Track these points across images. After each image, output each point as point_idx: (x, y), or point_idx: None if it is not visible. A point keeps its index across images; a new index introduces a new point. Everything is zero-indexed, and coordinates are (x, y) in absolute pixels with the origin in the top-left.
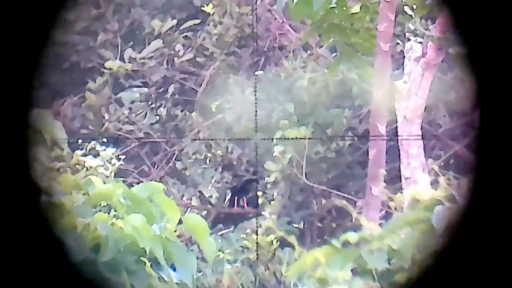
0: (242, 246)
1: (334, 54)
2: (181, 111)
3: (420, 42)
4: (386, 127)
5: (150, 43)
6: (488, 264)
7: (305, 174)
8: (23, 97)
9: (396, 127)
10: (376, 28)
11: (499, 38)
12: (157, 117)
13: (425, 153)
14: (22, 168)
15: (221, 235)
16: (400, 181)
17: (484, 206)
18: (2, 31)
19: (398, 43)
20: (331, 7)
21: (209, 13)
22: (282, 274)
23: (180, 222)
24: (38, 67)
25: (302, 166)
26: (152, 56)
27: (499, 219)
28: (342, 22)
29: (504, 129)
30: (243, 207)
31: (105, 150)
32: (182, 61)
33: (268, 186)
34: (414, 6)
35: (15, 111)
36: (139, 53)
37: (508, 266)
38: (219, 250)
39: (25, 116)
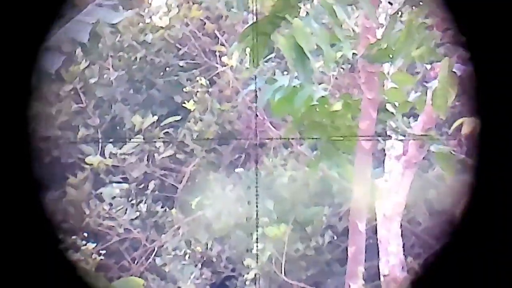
0: None
1: (315, 152)
2: (161, 208)
3: (401, 140)
4: (366, 225)
5: (130, 139)
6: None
7: (284, 271)
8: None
9: (376, 225)
10: (358, 126)
11: (499, 38)
12: (137, 213)
13: (404, 251)
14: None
15: None
16: (379, 278)
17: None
18: None
19: (379, 141)
20: (312, 105)
21: (190, 109)
22: None
23: None
24: None
25: (282, 264)
26: (132, 152)
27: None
28: (324, 120)
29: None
30: None
31: (85, 245)
32: (163, 157)
33: (247, 283)
34: (396, 104)
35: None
36: (120, 148)
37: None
38: None
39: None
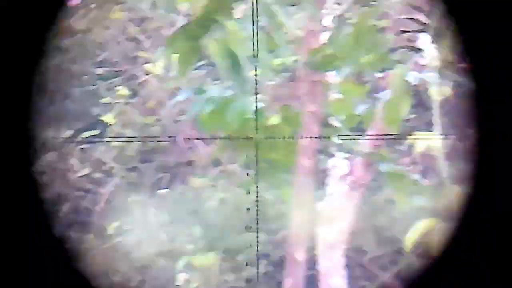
0: None
1: (249, 171)
2: (76, 233)
3: (347, 158)
4: (305, 254)
5: (42, 155)
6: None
7: None
8: None
9: (317, 254)
10: (298, 143)
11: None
12: None
13: (348, 283)
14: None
15: None
16: None
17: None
18: None
19: (321, 160)
20: (246, 118)
21: (108, 123)
22: None
23: None
24: None
25: None
26: (44, 171)
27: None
28: (260, 135)
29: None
30: None
31: None
32: (78, 176)
33: None
34: (342, 117)
35: None
36: None
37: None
38: None
39: None
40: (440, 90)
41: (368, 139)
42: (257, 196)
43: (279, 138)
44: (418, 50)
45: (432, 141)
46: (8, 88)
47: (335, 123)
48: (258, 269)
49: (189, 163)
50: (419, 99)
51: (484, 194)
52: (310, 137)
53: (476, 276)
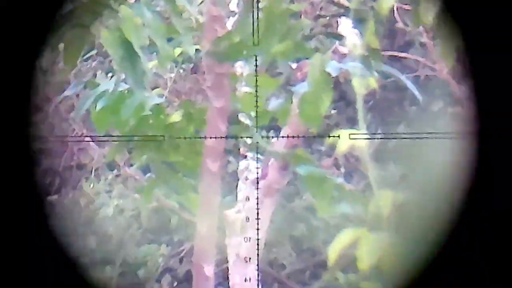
0: None
1: (148, 175)
2: None
3: (259, 160)
4: (214, 268)
5: None
6: None
7: None
8: None
9: (228, 268)
10: (203, 142)
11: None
12: None
13: None
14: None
15: None
16: None
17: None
18: None
19: (229, 162)
20: (144, 115)
21: None
22: None
23: None
24: None
25: None
26: None
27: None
28: (159, 134)
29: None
30: None
31: None
32: None
33: None
34: (252, 114)
35: None
36: None
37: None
38: None
39: None
40: (364, 82)
41: (283, 137)
42: (157, 203)
43: (181, 137)
44: (338, 36)
45: (356, 140)
46: (8, 88)
47: (245, 120)
48: (161, 285)
49: (81, 167)
50: (340, 92)
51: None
52: (216, 137)
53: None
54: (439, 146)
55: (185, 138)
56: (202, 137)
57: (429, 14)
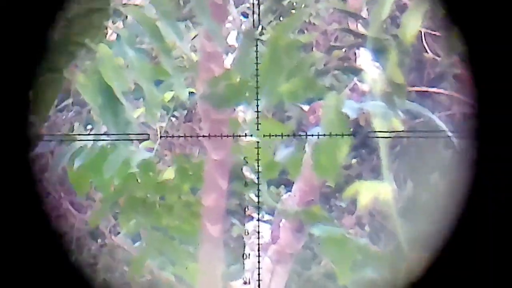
0: None
1: (138, 244)
2: None
3: (269, 221)
4: None
5: None
6: None
7: None
8: None
9: None
10: (201, 203)
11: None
12: None
13: None
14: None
15: None
16: None
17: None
18: None
19: (233, 224)
20: (130, 173)
21: None
22: None
23: None
24: None
25: None
26: None
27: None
28: (149, 195)
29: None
30: None
31: None
32: None
33: None
34: (259, 167)
35: None
36: None
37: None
38: None
39: None
40: (388, 124)
41: (295, 192)
42: (151, 275)
43: (176, 197)
44: (357, 71)
45: (382, 193)
46: (8, 89)
47: (250, 174)
48: None
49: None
50: (361, 137)
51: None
52: (216, 196)
53: None
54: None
55: (179, 198)
56: (200, 197)
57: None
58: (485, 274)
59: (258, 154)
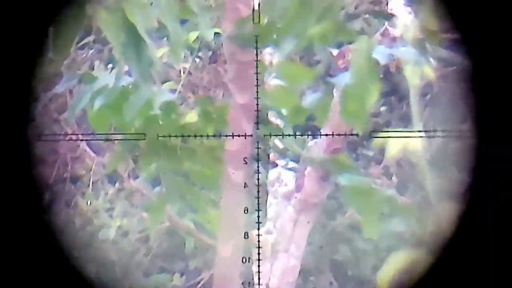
0: None
1: (158, 188)
2: None
3: (293, 169)
4: None
5: None
6: None
7: None
8: None
9: None
10: (224, 147)
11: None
12: None
13: None
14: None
15: None
16: None
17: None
18: None
19: (257, 171)
20: (153, 115)
21: None
22: None
23: None
24: None
25: None
26: None
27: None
28: (171, 138)
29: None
30: None
31: None
32: None
33: None
34: (284, 111)
35: None
36: None
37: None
38: None
39: None
40: (419, 71)
41: (322, 139)
42: (170, 223)
43: (198, 141)
44: (388, 16)
45: (411, 142)
46: (8, 89)
47: (275, 119)
48: None
49: (76, 179)
50: (391, 84)
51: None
52: (241, 139)
53: None
54: None
55: (202, 142)
56: (224, 140)
57: None
58: (485, 274)
59: (285, 99)
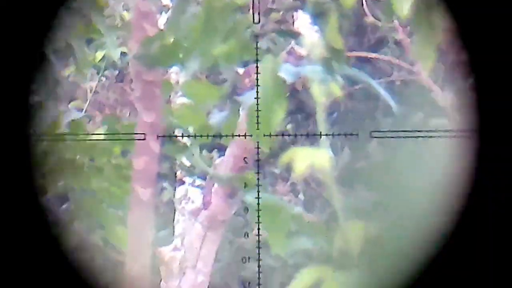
0: None
1: (65, 205)
2: None
3: (200, 186)
4: None
5: None
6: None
7: None
8: None
9: None
10: (132, 165)
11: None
12: None
13: None
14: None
15: None
16: None
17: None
18: None
19: (164, 188)
20: (58, 134)
21: None
22: None
23: None
24: None
25: None
26: None
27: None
28: (78, 157)
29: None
30: None
31: None
32: None
33: None
34: (191, 130)
35: None
36: None
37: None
38: None
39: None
40: (326, 89)
41: (228, 157)
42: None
43: (106, 159)
44: (294, 34)
45: (318, 160)
46: (8, 89)
47: (182, 138)
48: None
49: None
50: (297, 102)
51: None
52: (148, 158)
53: None
54: (421, 165)
55: (110, 160)
56: (130, 159)
57: (406, 5)
58: (485, 274)
59: (192, 117)
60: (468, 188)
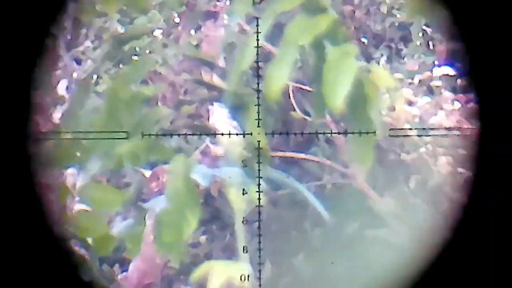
0: None
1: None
2: None
3: None
4: None
5: None
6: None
7: None
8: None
9: None
10: None
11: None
12: None
13: None
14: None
15: None
16: None
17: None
18: None
19: None
20: None
21: None
22: None
23: None
24: None
25: None
26: None
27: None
28: None
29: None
30: None
31: None
32: None
33: None
34: (91, 241)
35: None
36: None
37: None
38: None
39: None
40: (246, 195)
41: (132, 272)
42: None
43: None
44: (209, 131)
45: (236, 277)
46: (7, 89)
47: (79, 249)
48: None
49: None
50: (212, 210)
51: None
52: None
53: None
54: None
55: None
56: None
57: (339, 96)
58: (485, 274)
59: (91, 227)
60: (468, 188)
